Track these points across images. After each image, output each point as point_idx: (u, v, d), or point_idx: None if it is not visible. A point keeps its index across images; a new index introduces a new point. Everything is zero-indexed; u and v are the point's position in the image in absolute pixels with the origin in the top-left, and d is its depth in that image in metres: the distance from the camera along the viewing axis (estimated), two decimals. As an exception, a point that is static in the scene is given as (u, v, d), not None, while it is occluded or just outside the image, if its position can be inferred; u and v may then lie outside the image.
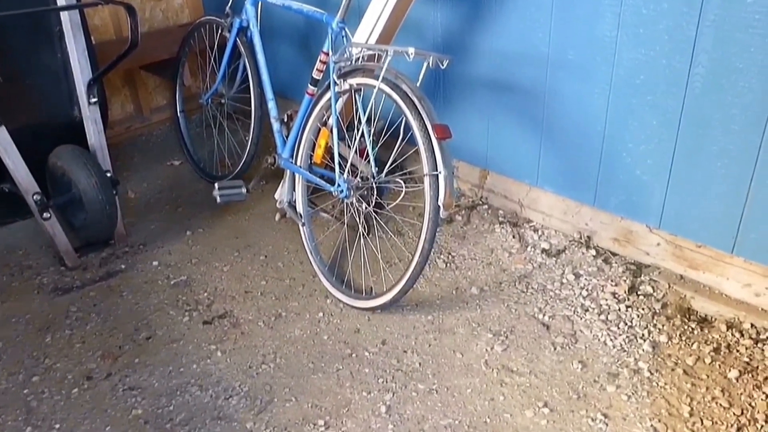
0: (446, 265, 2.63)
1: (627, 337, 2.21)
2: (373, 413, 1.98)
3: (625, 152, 2.40)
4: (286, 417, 1.97)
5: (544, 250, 2.66)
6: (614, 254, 2.59)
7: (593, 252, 2.61)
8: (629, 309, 2.33)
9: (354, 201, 2.39)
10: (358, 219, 2.48)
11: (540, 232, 2.77)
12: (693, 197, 2.28)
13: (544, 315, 2.34)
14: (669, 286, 2.39)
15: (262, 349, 2.24)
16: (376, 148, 2.44)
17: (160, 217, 3.04)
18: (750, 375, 2.03)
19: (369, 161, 2.32)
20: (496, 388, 2.06)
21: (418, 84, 2.12)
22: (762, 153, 2.05)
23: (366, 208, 2.38)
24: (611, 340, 2.20)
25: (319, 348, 2.25)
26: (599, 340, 2.21)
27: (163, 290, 2.54)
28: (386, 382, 2.09)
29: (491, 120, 2.79)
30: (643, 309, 2.33)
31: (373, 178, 2.32)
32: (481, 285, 2.51)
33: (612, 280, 2.46)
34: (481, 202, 2.97)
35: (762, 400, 1.94)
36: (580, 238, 2.67)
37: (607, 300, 2.39)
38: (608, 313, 2.32)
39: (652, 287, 2.41)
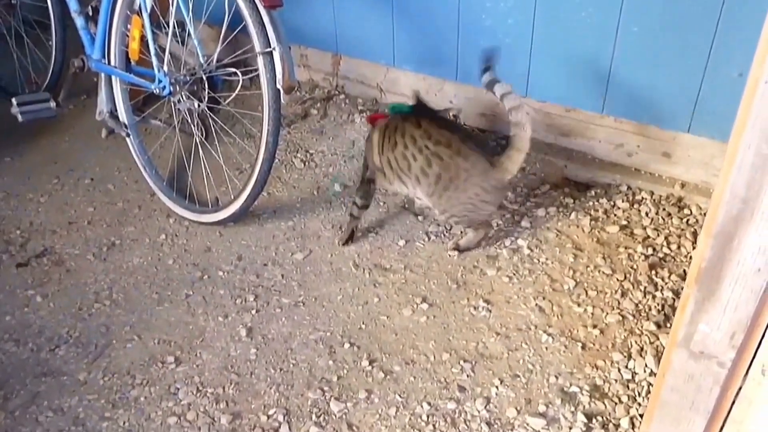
0: (304, 165, 2.34)
1: (503, 215, 2.05)
2: (232, 338, 1.71)
3: (484, 14, 2.15)
4: (128, 359, 1.66)
5: (410, 136, 2.42)
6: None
7: (462, 131, 2.41)
8: (503, 186, 2.17)
9: (183, 99, 2.00)
10: (191, 121, 2.10)
11: (404, 117, 2.52)
12: (559, 56, 2.09)
13: (415, 204, 2.13)
14: (541, 158, 2.24)
15: (94, 286, 1.88)
16: (198, 31, 2.02)
17: (-45, 149, 2.50)
18: (629, 237, 1.94)
19: (192, 49, 1.93)
20: (370, 289, 1.84)
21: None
22: (627, -4, 1.88)
23: (198, 106, 2.01)
24: (488, 221, 2.03)
25: (164, 275, 1.92)
26: (475, 222, 2.04)
27: (-37, 234, 2.08)
28: (245, 301, 1.82)
29: (337, -6, 2.45)
30: (518, 185, 2.17)
31: (201, 68, 1.93)
32: (344, 181, 2.25)
33: (483, 159, 2.27)
34: (337, 92, 2.66)
35: (642, 261, 1.85)
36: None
37: (480, 180, 2.21)
38: (482, 194, 2.14)
39: (524, 161, 2.25)
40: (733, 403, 0.99)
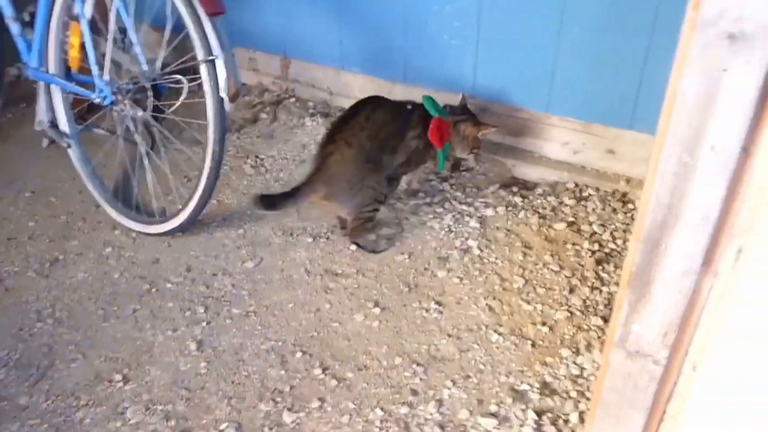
0: (254, 170, 2.32)
1: (453, 217, 2.06)
2: (181, 353, 1.68)
3: (430, 17, 2.16)
4: (72, 380, 1.62)
5: (360, 139, 2.42)
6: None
7: (411, 133, 2.41)
8: (453, 187, 2.18)
9: (126, 107, 1.96)
10: (136, 129, 2.05)
11: (354, 120, 2.51)
12: (504, 57, 2.11)
13: (366, 208, 2.12)
14: (489, 157, 2.26)
15: (36, 305, 1.83)
16: (140, 38, 1.98)
17: None
18: (577, 234, 1.97)
19: (135, 56, 1.89)
20: (321, 296, 1.83)
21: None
22: (567, -3, 1.91)
23: (143, 114, 1.97)
24: (438, 223, 2.04)
25: (110, 290, 1.88)
26: (425, 225, 2.04)
27: None
28: (194, 314, 1.79)
29: (282, -3, 2.43)
30: (467, 185, 2.19)
31: (144, 76, 1.90)
32: (294, 186, 2.23)
33: (432, 160, 2.28)
34: (287, 95, 2.65)
35: (589, 257, 1.89)
36: (396, 119, 2.45)
37: (429, 181, 2.22)
38: (432, 195, 2.16)
39: (474, 161, 2.27)
40: (669, 399, 1.02)
